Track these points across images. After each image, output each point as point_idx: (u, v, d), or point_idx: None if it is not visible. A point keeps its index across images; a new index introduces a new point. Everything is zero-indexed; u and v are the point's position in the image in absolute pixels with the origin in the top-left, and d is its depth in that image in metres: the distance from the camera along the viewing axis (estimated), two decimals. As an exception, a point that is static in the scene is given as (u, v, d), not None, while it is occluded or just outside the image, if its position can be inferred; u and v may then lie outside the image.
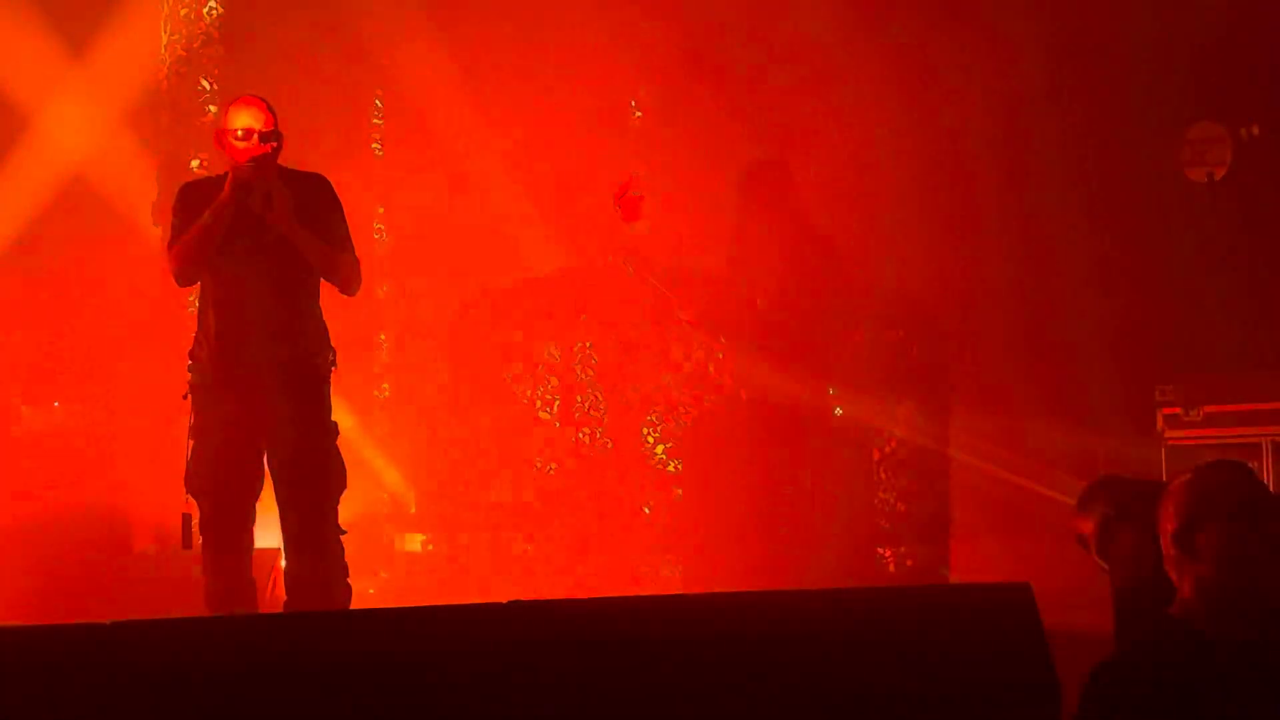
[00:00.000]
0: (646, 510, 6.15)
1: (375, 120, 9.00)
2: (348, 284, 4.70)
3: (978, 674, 3.07)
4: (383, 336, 8.73)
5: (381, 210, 8.87)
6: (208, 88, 7.55)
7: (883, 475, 6.40)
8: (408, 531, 7.65)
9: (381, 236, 8.84)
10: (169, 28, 7.57)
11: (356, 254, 4.74)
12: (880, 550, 6.35)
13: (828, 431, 6.28)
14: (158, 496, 6.44)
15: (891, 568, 6.38)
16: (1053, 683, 3.06)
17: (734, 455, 6.14)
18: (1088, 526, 3.64)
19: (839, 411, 6.36)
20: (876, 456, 6.40)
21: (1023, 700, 3.07)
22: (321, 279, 4.68)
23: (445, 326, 7.11)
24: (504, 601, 2.94)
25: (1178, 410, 6.73)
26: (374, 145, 9.03)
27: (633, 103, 9.62)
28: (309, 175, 4.76)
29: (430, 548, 7.09)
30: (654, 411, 6.20)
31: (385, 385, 8.65)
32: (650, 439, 6.20)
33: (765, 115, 8.43)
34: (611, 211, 7.80)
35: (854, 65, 8.21)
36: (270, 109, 4.59)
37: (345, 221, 4.73)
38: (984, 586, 3.29)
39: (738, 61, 8.72)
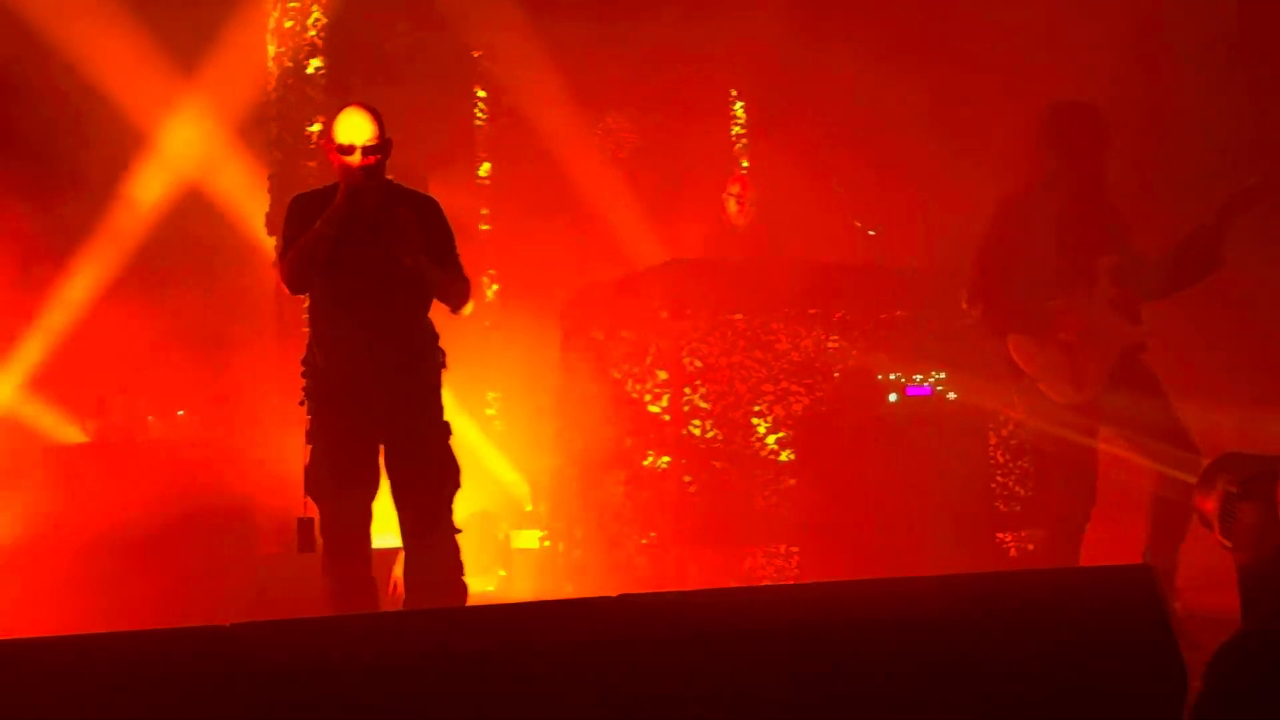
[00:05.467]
0: (759, 501, 6.11)
1: (478, 121, 9.10)
2: (458, 305, 4.77)
3: (1101, 658, 3.01)
4: (492, 336, 8.82)
5: (486, 211, 8.98)
6: (315, 98, 7.68)
7: (1000, 459, 6.29)
8: (524, 529, 7.72)
9: (487, 237, 8.95)
10: (275, 41, 7.71)
11: (465, 274, 4.80)
12: (1000, 535, 6.26)
13: (942, 416, 6.21)
14: (281, 501, 6.57)
15: (1012, 552, 6.28)
16: (1179, 665, 2.99)
17: (846, 443, 6.10)
18: (1210, 505, 3.55)
19: (953, 396, 6.28)
20: (993, 440, 6.30)
21: (1149, 683, 3.00)
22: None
23: (553, 323, 7.15)
24: (615, 595, 2.94)
25: (1306, 383, 6.53)
26: (478, 145, 9.13)
27: (733, 92, 9.62)
28: (420, 196, 4.79)
29: (546, 544, 7.13)
30: (764, 402, 6.15)
31: (496, 384, 8.74)
32: (761, 429, 6.16)
33: (874, 100, 8.36)
34: (719, 206, 7.83)
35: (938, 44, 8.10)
36: (377, 117, 4.59)
37: (455, 245, 4.78)
38: (1105, 569, 3.22)
39: (840, 53, 8.64)
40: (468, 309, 4.79)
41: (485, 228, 8.91)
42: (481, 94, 9.07)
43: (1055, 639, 3.03)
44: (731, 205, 7.77)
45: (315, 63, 7.68)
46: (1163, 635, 3.01)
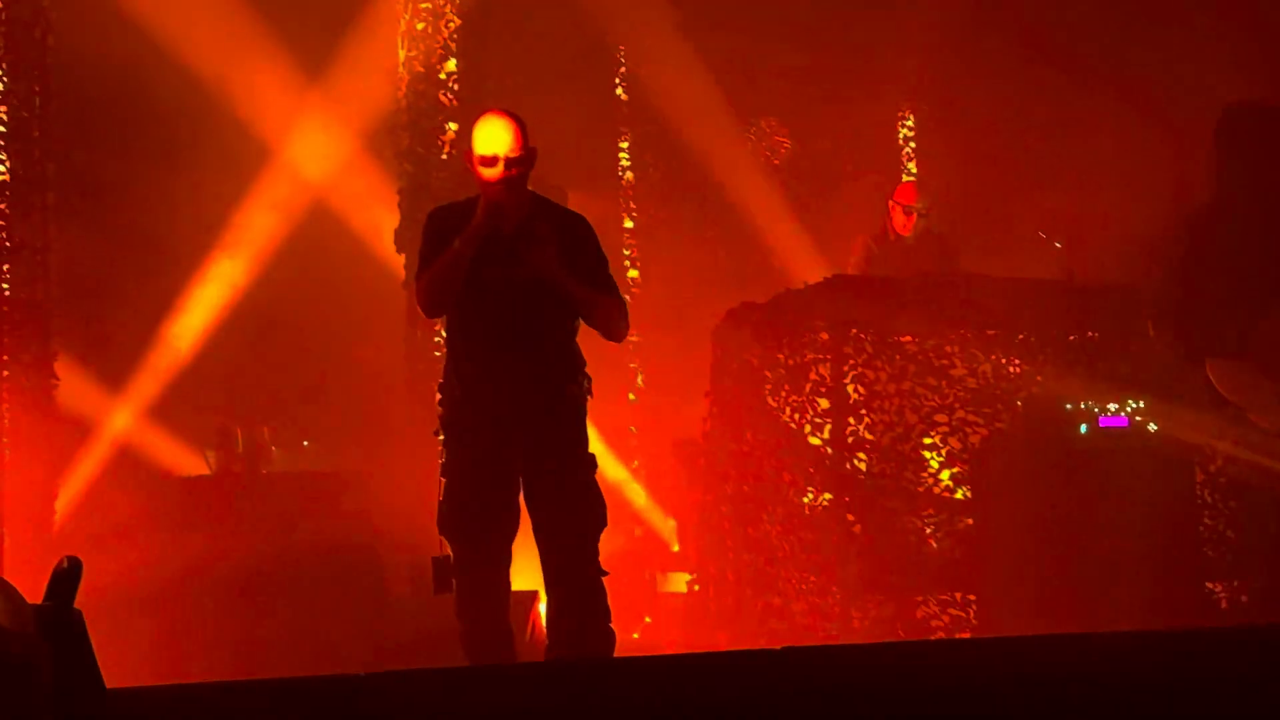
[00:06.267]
0: (933, 543, 6.03)
1: (621, 127, 9.17)
2: (611, 330, 4.70)
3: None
4: (634, 365, 8.85)
5: (630, 224, 9.02)
6: (448, 104, 7.77)
7: (1208, 498, 6.10)
8: (671, 571, 7.71)
9: (631, 253, 8.99)
10: (406, 45, 7.83)
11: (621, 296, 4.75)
12: (1209, 585, 6.05)
13: (1141, 450, 6.04)
14: (411, 538, 6.66)
15: (1224, 604, 6.08)
16: None
17: (1030, 480, 5.97)
18: None
19: (1153, 427, 6.11)
20: (1200, 478, 6.11)
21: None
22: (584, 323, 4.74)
23: (703, 346, 7.14)
24: (777, 648, 2.91)
25: None
26: (621, 154, 9.19)
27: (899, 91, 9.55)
28: (567, 212, 4.79)
29: (695, 588, 7.11)
30: (937, 433, 6.07)
31: (642, 412, 8.76)
32: (934, 463, 6.08)
33: (1049, 118, 8.25)
34: (885, 216, 7.78)
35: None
36: (519, 124, 4.56)
37: (606, 265, 4.73)
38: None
39: (1013, 62, 8.55)
40: (622, 334, 4.75)
41: (628, 244, 8.95)
42: (625, 97, 9.13)
43: (1280, 705, 2.91)
44: (899, 215, 7.75)
45: (449, 66, 7.78)
46: None
